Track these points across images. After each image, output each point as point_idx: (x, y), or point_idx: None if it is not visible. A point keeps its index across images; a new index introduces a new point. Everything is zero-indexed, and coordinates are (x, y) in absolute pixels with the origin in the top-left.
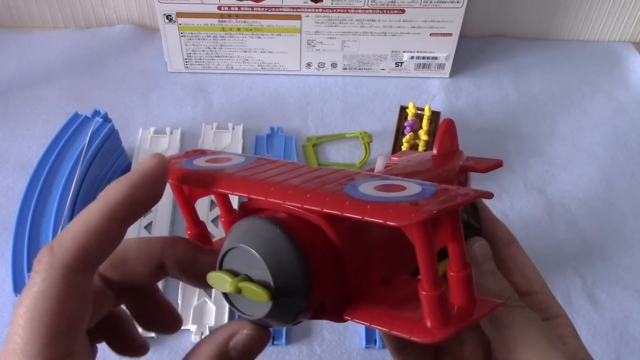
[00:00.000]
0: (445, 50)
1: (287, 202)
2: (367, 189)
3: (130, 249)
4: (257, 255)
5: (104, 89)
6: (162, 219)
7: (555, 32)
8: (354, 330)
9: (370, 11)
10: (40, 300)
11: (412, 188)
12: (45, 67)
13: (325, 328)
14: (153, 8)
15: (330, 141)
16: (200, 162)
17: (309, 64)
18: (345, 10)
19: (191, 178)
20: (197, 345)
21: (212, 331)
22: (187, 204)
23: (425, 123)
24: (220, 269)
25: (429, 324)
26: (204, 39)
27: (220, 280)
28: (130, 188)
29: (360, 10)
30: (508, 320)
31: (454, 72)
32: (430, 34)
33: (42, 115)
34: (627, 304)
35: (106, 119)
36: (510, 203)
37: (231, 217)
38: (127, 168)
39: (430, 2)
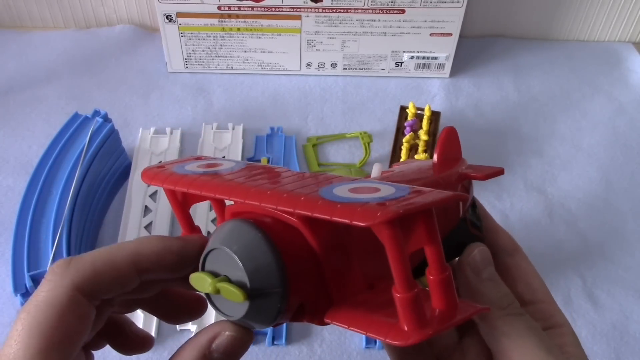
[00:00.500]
0: (445, 50)
1: (263, 203)
2: (341, 191)
3: (101, 258)
4: (235, 256)
5: (104, 89)
6: (162, 219)
7: (555, 32)
8: None
9: (370, 11)
10: (43, 310)
11: (386, 190)
12: (45, 67)
13: (325, 328)
14: (153, 8)
15: (330, 141)
16: (191, 167)
17: (309, 64)
18: (345, 10)
19: (180, 182)
20: (181, 348)
21: (195, 333)
22: (181, 208)
23: (425, 123)
24: (203, 270)
25: (404, 326)
26: (204, 39)
27: (200, 281)
28: (164, 250)
29: (360, 10)
30: (506, 330)
31: (454, 72)
32: (430, 34)
33: (42, 115)
34: (627, 304)
35: (106, 119)
36: (510, 203)
37: None
38: (127, 168)
39: (430, 2)
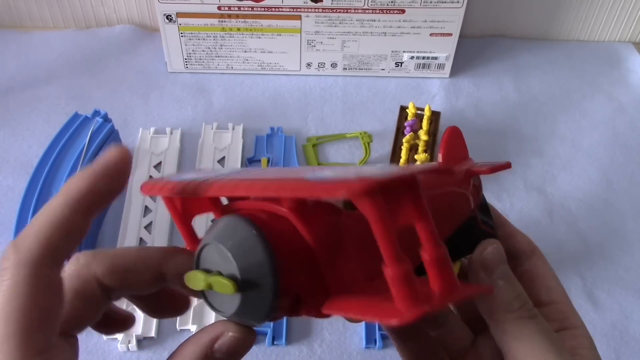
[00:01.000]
0: (445, 50)
1: (252, 194)
2: (324, 173)
3: (129, 256)
4: (224, 248)
5: (104, 89)
6: (161, 219)
7: (555, 32)
8: (354, 330)
9: (370, 11)
10: (10, 299)
11: (371, 171)
12: (45, 67)
13: (325, 328)
14: (153, 8)
15: (330, 141)
16: (188, 175)
17: (309, 64)
18: (345, 10)
19: (175, 188)
20: (181, 346)
21: (196, 332)
22: (182, 220)
23: (425, 123)
24: (197, 268)
25: (398, 304)
26: (204, 39)
27: (195, 279)
28: (92, 178)
29: (360, 10)
30: (516, 333)
31: (454, 72)
32: (430, 34)
33: (42, 115)
34: (627, 304)
35: (106, 119)
36: (510, 203)
37: None
38: None
39: (430, 2)
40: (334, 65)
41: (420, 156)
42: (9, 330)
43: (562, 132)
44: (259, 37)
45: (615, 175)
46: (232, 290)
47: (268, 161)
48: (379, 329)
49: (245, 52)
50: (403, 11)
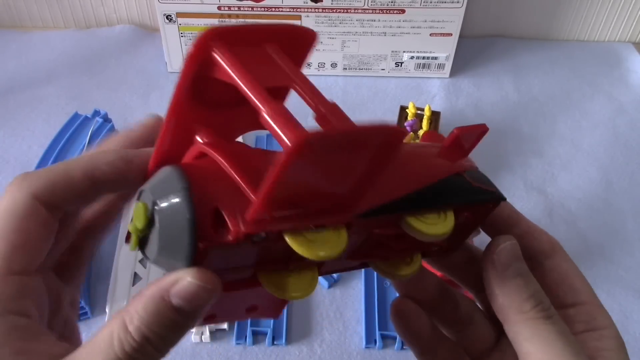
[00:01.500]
0: (445, 50)
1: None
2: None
3: (61, 167)
4: (147, 189)
5: (104, 89)
6: None
7: (555, 32)
8: (354, 330)
9: (370, 11)
10: (3, 218)
11: None
12: (45, 67)
13: (325, 328)
14: (153, 8)
15: None
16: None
17: (308, 64)
18: (345, 10)
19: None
20: (145, 287)
21: (162, 276)
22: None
23: (425, 123)
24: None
25: (288, 139)
26: None
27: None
28: (119, 161)
29: (360, 10)
30: (529, 333)
31: (454, 72)
32: (430, 34)
33: (42, 115)
34: (627, 304)
35: (106, 119)
36: (510, 203)
37: None
38: None
39: (430, 2)
40: (334, 65)
41: None
42: None
43: (562, 132)
44: None
45: (615, 175)
46: (143, 211)
47: None
48: (379, 328)
49: None
50: (403, 11)
